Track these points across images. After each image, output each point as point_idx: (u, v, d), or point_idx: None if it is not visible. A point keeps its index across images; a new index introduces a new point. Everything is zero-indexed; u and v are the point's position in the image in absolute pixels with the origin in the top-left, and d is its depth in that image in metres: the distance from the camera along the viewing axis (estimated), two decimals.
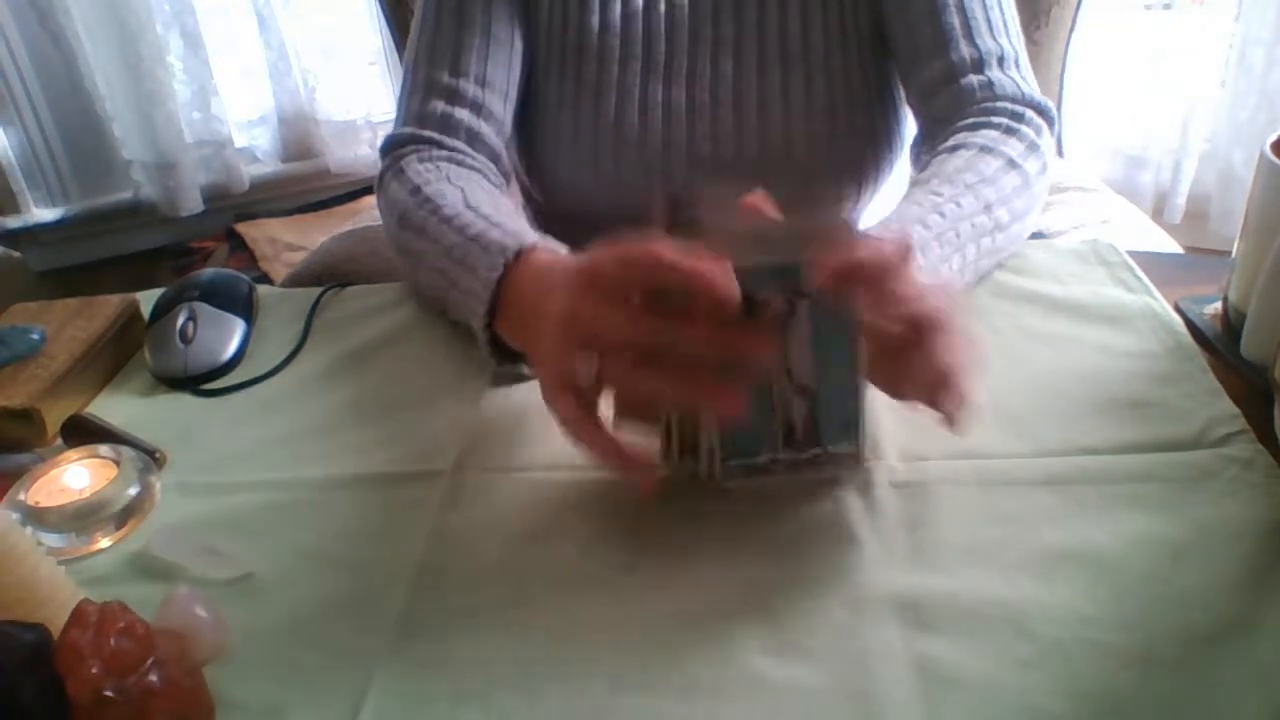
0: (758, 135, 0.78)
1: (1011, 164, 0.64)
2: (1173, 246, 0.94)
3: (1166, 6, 1.82)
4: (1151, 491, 0.47)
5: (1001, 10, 0.75)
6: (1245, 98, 1.79)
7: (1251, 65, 1.76)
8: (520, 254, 0.58)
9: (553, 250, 0.60)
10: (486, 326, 0.58)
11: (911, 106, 0.80)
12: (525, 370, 0.61)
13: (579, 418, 0.46)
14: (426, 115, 0.76)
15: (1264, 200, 0.54)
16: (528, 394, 0.59)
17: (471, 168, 0.74)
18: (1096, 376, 0.55)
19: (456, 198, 0.67)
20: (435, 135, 0.75)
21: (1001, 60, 0.73)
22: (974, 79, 0.72)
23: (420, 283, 0.69)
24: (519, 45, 0.80)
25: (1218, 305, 0.60)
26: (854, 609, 0.42)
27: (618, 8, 0.79)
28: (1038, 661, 0.39)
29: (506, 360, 0.60)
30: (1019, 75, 0.73)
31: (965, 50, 0.73)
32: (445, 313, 0.67)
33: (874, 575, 0.44)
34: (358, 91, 2.23)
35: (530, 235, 0.60)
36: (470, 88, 0.77)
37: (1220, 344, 0.57)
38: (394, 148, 0.76)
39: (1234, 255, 0.57)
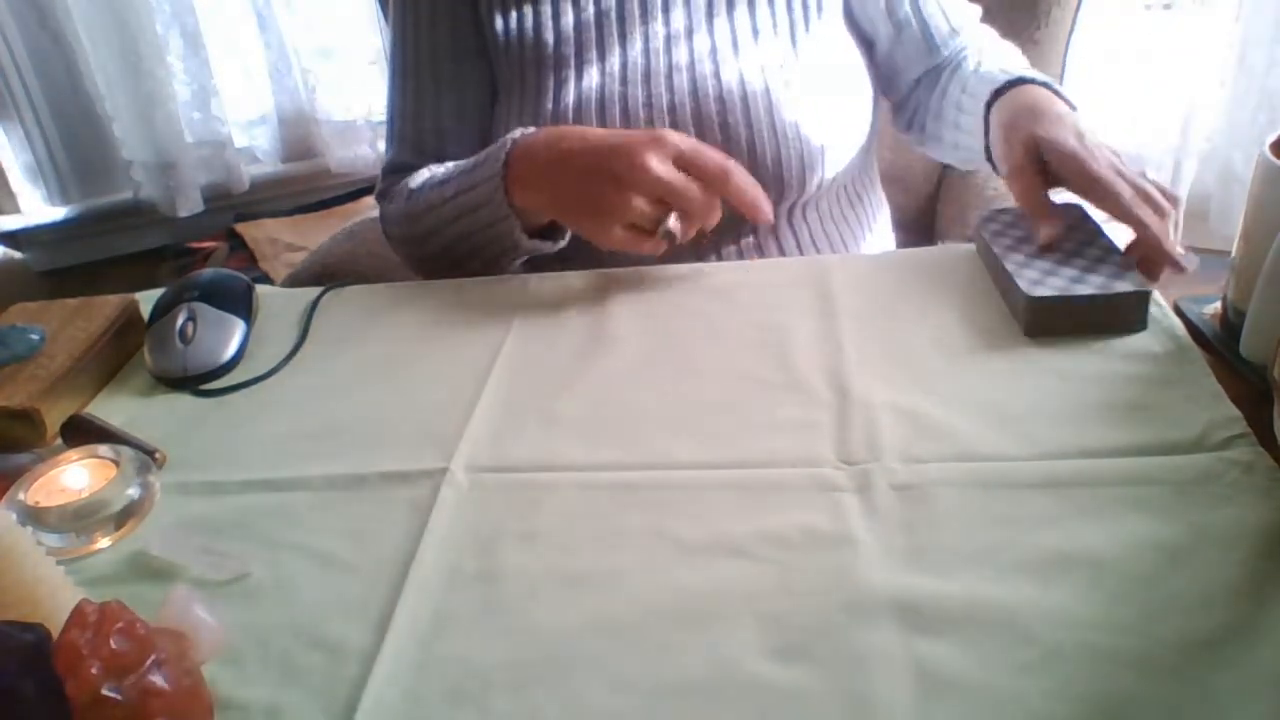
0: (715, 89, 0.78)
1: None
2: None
3: (1166, 6, 1.82)
4: (1151, 495, 0.47)
5: None
6: (1245, 98, 1.79)
7: (1251, 65, 1.76)
8: (514, 140, 0.70)
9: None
10: (507, 203, 0.69)
11: (889, 89, 0.88)
12: (557, 244, 0.73)
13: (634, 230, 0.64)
14: (395, 168, 0.84)
15: (1264, 200, 0.54)
16: (528, 394, 0.59)
17: None
18: (1096, 379, 0.55)
19: (436, 169, 0.79)
20: (403, 178, 0.83)
21: (965, 30, 0.85)
22: (953, 58, 0.85)
23: (440, 241, 0.77)
24: (481, 83, 0.84)
25: (1217, 305, 0.60)
26: (852, 611, 0.42)
27: (570, 17, 0.80)
28: (1036, 665, 0.39)
29: (535, 236, 0.72)
30: (970, 23, 0.86)
31: (947, 47, 0.84)
32: (472, 256, 0.75)
33: (872, 577, 0.44)
34: (358, 91, 2.22)
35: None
36: (428, 138, 0.83)
37: (1220, 344, 0.57)
38: (379, 196, 0.85)
39: (1233, 255, 0.57)
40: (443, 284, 0.75)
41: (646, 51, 0.79)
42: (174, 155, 2.14)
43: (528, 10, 0.80)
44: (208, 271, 0.71)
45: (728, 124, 0.77)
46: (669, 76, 0.78)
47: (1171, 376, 0.54)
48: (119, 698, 0.37)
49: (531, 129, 0.71)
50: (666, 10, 0.79)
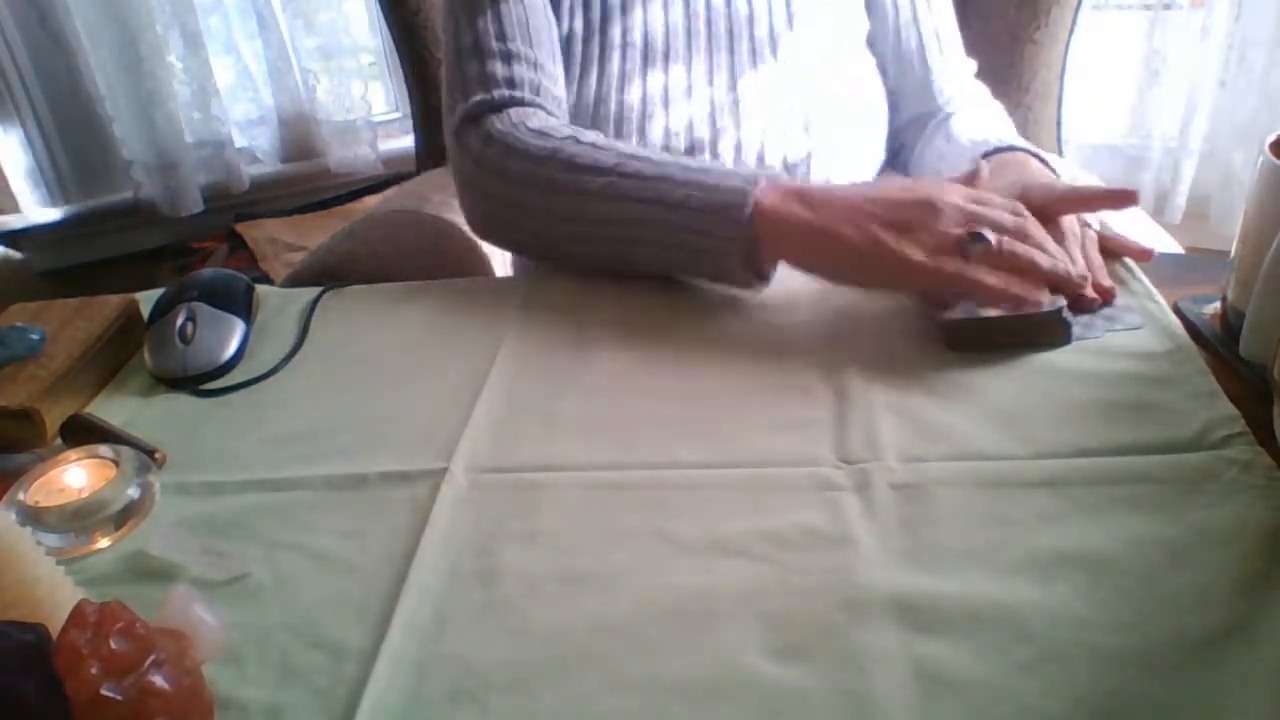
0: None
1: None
2: (1173, 246, 0.93)
3: (1166, 6, 1.82)
4: (1150, 493, 0.47)
5: (950, 25, 0.90)
6: (1245, 98, 1.79)
7: (1251, 65, 1.76)
8: (755, 180, 0.63)
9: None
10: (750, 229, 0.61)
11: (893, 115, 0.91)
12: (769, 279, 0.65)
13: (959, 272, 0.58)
14: (514, 79, 0.74)
15: (1264, 200, 0.54)
16: (527, 394, 0.59)
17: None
18: (1094, 378, 0.55)
19: (626, 144, 0.70)
20: (524, 95, 0.74)
21: (953, 81, 0.89)
22: (939, 106, 0.89)
23: (593, 225, 0.67)
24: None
25: (1217, 305, 0.60)
26: (851, 610, 0.42)
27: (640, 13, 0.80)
28: (1035, 663, 0.39)
29: (755, 281, 0.64)
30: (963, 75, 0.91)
31: (940, 94, 0.89)
32: (627, 256, 0.68)
33: (871, 577, 0.44)
34: (358, 92, 2.22)
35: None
36: (545, 58, 0.77)
37: (1219, 344, 0.57)
38: (477, 118, 0.73)
39: (1233, 255, 0.57)
40: (443, 284, 0.75)
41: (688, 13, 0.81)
42: (174, 155, 2.14)
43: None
44: (208, 271, 0.71)
45: (786, 157, 0.81)
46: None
47: (1169, 375, 0.55)
48: (119, 698, 0.37)
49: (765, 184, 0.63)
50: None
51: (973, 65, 0.91)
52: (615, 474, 0.52)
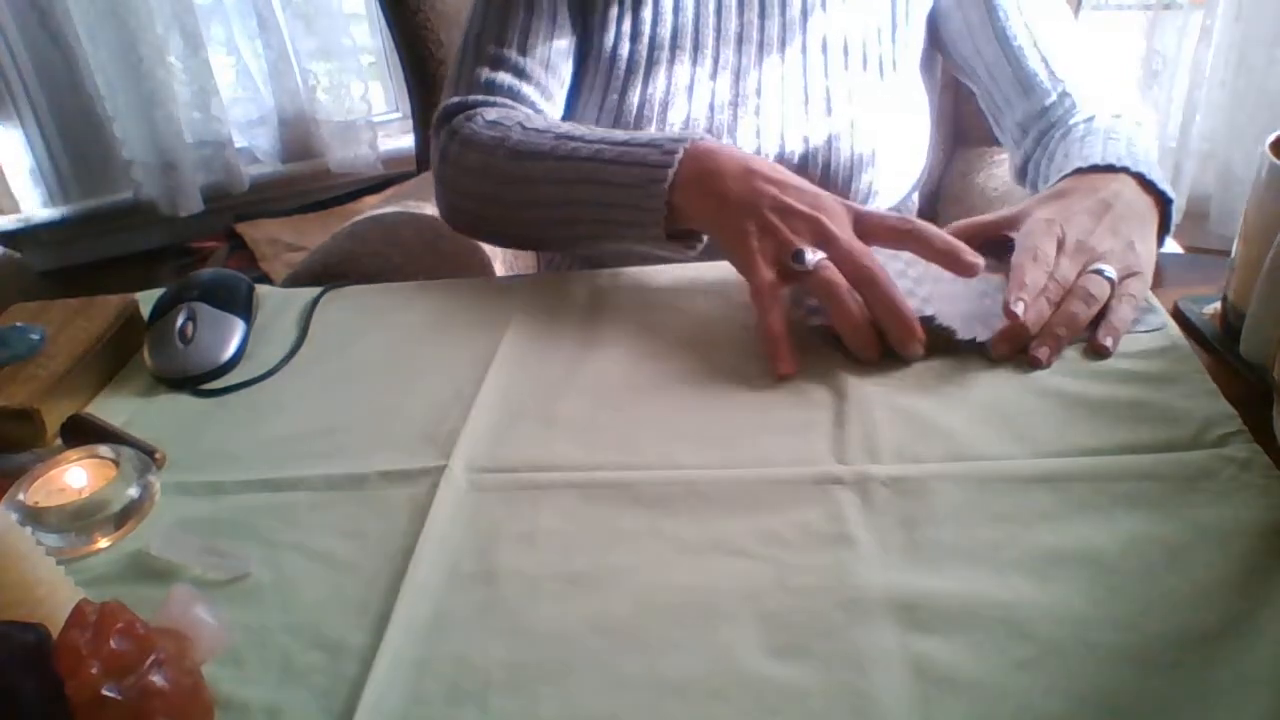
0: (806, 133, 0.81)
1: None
2: (1172, 246, 0.93)
3: (1166, 6, 1.82)
4: (1148, 491, 0.47)
5: (1063, 22, 0.81)
6: (1245, 98, 1.79)
7: (1251, 65, 1.76)
8: (691, 140, 0.65)
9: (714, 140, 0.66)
10: (667, 201, 0.64)
11: (1000, 132, 0.85)
12: (697, 247, 0.68)
13: (775, 293, 0.59)
14: (494, 83, 0.78)
15: (1264, 200, 0.54)
16: (526, 394, 0.59)
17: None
18: (1091, 377, 0.55)
19: (569, 126, 0.72)
20: (500, 100, 0.77)
21: (1074, 80, 0.78)
22: (1059, 108, 0.77)
23: (542, 195, 0.70)
24: (572, 38, 0.81)
25: (1217, 305, 0.60)
26: (850, 609, 0.42)
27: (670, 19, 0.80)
28: (1034, 662, 0.39)
29: (676, 238, 0.66)
30: (1086, 78, 0.78)
31: (1049, 93, 0.78)
32: (572, 234, 0.71)
33: (870, 576, 0.44)
34: (358, 92, 2.22)
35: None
36: (536, 68, 0.78)
37: (1220, 344, 0.57)
38: (450, 117, 0.77)
39: (1233, 255, 0.58)
40: (443, 284, 0.75)
41: (741, 54, 0.81)
42: (174, 155, 2.14)
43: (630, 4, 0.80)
44: (208, 271, 0.71)
45: (808, 137, 0.80)
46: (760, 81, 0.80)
47: (1167, 374, 0.55)
48: (119, 698, 0.37)
49: (704, 134, 0.68)
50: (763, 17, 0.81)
51: (1101, 68, 0.79)
52: (613, 474, 0.52)
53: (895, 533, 0.46)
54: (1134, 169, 0.64)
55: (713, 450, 0.53)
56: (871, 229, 0.61)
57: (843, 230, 0.60)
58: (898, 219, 0.61)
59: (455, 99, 0.78)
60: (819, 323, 0.61)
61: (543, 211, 0.71)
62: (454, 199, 0.77)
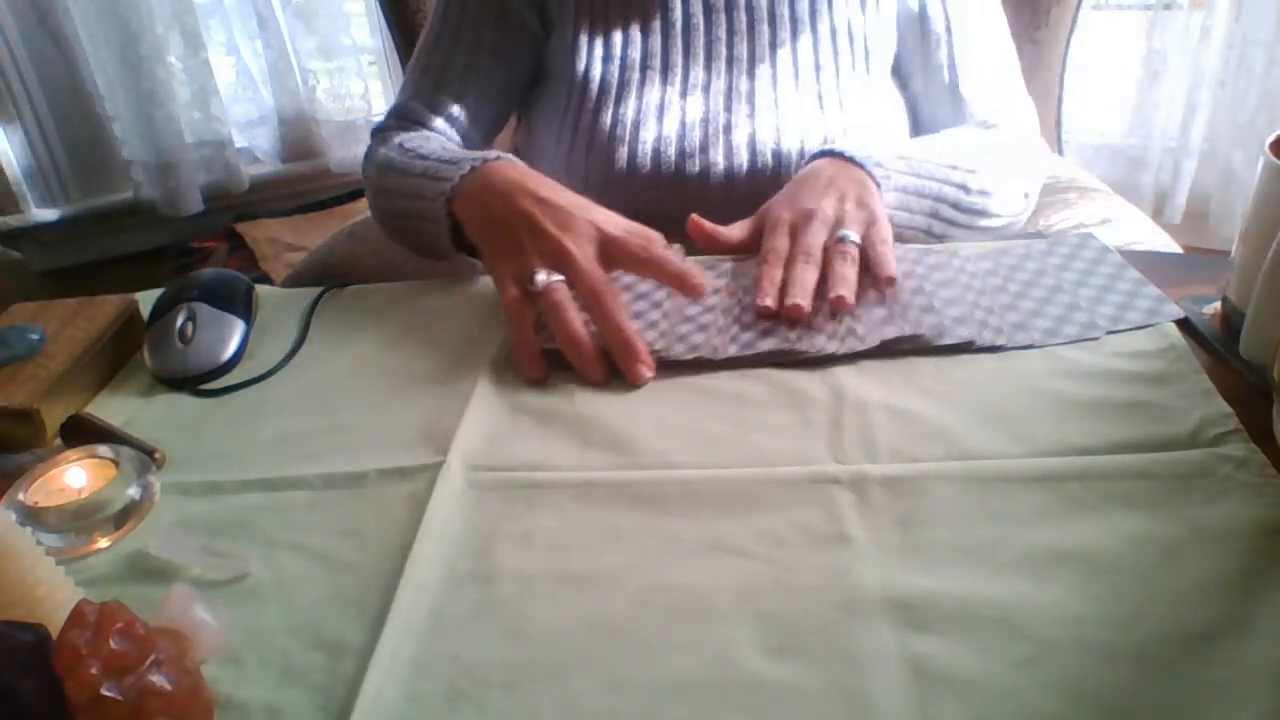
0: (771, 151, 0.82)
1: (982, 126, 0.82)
2: (1173, 246, 0.94)
3: (1166, 6, 1.82)
4: (1145, 490, 0.47)
5: (1004, 54, 0.86)
6: (1245, 98, 1.79)
7: (1251, 65, 1.76)
8: (487, 160, 0.69)
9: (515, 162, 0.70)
10: (447, 210, 0.69)
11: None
12: (478, 263, 0.72)
13: (521, 309, 0.61)
14: (409, 109, 0.85)
15: (1264, 200, 0.54)
16: (527, 395, 0.59)
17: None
18: (1088, 376, 0.55)
19: (434, 142, 0.80)
20: (413, 126, 0.85)
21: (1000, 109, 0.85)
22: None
23: (393, 216, 0.77)
24: (515, 64, 0.87)
25: (1217, 305, 0.60)
26: (848, 609, 0.42)
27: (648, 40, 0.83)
28: (1031, 661, 0.39)
29: (463, 250, 0.71)
30: (1014, 106, 0.86)
31: (978, 115, 0.84)
32: (415, 244, 0.76)
33: (867, 575, 0.44)
34: (358, 91, 2.23)
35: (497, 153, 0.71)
36: (446, 100, 0.85)
37: (1220, 344, 0.57)
38: (373, 137, 0.86)
39: (1234, 255, 0.58)
40: (442, 284, 0.75)
41: (710, 72, 0.83)
42: (174, 155, 2.15)
43: (600, 27, 0.83)
44: (208, 271, 0.71)
45: (780, 151, 0.81)
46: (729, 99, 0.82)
47: (1164, 373, 0.55)
48: (119, 698, 0.37)
49: (511, 157, 0.70)
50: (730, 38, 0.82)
51: (1021, 107, 0.85)
52: (610, 474, 0.52)
53: (893, 532, 0.46)
54: (844, 153, 0.71)
55: (710, 450, 0.53)
56: (615, 254, 0.63)
57: (582, 252, 0.62)
58: (638, 245, 0.63)
59: (380, 121, 0.87)
60: (550, 346, 0.61)
61: (395, 223, 0.78)
62: (371, 211, 0.85)
